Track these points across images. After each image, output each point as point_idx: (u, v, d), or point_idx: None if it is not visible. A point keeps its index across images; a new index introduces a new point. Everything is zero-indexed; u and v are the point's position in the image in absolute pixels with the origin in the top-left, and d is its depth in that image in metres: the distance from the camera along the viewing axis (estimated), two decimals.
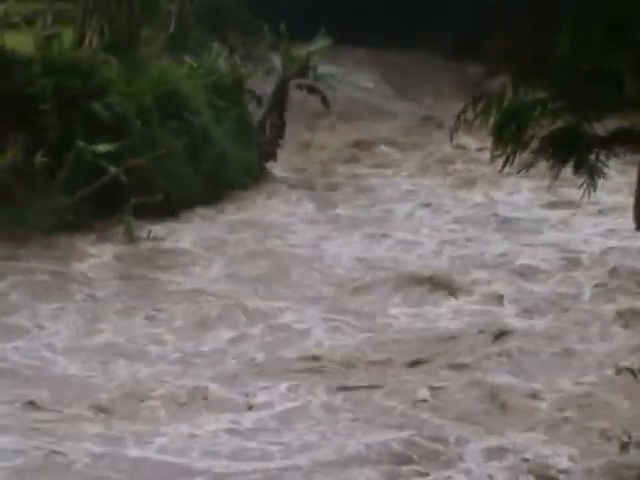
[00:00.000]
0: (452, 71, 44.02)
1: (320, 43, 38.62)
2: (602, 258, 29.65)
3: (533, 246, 31.24)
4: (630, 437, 17.22)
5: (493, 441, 18.77)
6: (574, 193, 20.10)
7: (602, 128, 14.67)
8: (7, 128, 30.81)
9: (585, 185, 15.41)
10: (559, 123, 14.86)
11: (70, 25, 35.41)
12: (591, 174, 15.15)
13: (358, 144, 42.38)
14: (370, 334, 24.60)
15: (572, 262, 29.42)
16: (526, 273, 28.58)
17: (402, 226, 34.21)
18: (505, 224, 33.18)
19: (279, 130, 39.24)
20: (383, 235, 32.46)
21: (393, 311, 26.21)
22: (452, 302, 27.11)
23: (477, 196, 35.89)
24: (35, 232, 29.38)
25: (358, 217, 34.70)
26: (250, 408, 20.36)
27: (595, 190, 15.48)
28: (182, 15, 41.47)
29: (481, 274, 28.76)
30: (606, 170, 15.22)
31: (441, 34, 45.79)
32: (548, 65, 14.27)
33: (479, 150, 35.41)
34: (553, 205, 33.46)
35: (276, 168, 38.97)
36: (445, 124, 35.44)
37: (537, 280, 28.23)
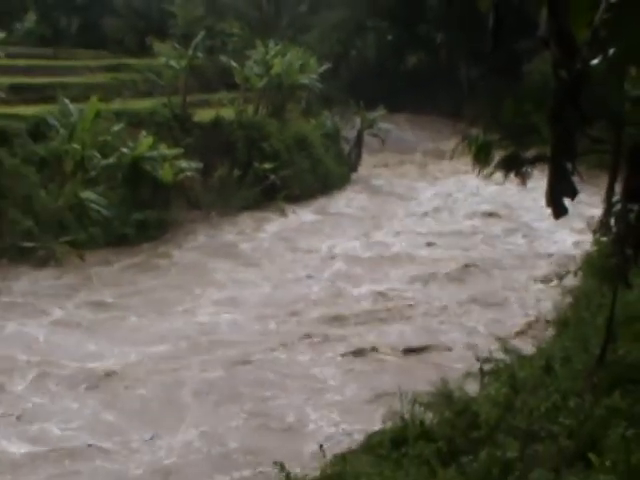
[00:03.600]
0: (449, 126, 48.85)
1: (379, 112, 50.77)
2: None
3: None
4: None
5: None
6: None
7: (529, 154, 18.78)
8: (217, 157, 42.19)
9: (520, 183, 20.67)
10: (506, 152, 19.51)
11: (250, 104, 46.18)
12: (522, 177, 20.13)
13: (399, 162, 52.47)
14: None
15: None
16: None
17: (420, 194, 47.17)
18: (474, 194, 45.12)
19: (358, 157, 50.73)
20: (411, 198, 45.67)
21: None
22: None
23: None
24: (237, 209, 40.95)
25: (400, 192, 47.14)
26: None
27: (525, 185, 20.67)
28: (309, 97, 50.34)
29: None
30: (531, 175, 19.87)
31: (443, 107, 54.22)
32: (501, 122, 19.49)
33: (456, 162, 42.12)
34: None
35: (355, 176, 49.90)
36: (445, 152, 46.41)
37: None
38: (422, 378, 18.53)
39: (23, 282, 30.62)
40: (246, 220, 40.68)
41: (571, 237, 36.03)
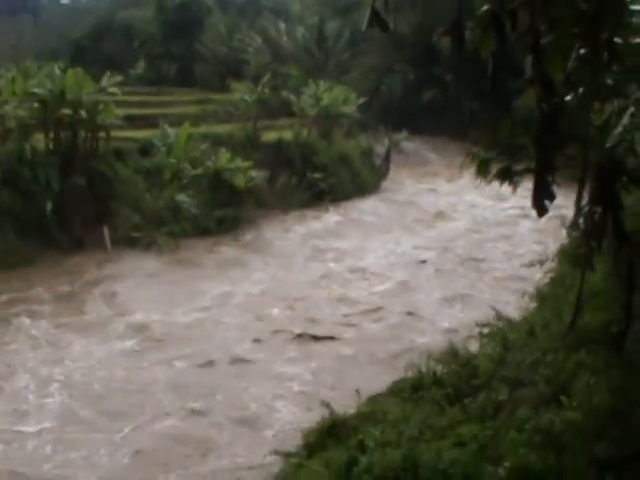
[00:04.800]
0: (457, 145, 47.42)
1: (403, 134, 51.17)
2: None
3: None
4: None
5: None
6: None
7: (519, 167, 17.07)
8: (279, 169, 42.31)
9: (512, 190, 18.77)
10: (502, 165, 17.78)
11: (304, 128, 46.20)
12: (514, 186, 17.99)
13: (423, 173, 51.44)
14: None
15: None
16: None
17: (436, 191, 47.13)
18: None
19: (386, 169, 50.18)
20: (428, 194, 45.63)
21: None
22: None
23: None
24: (294, 208, 40.84)
25: (418, 194, 46.45)
26: None
27: (515, 192, 18.79)
28: (350, 123, 49.88)
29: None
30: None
31: (452, 131, 52.93)
32: (498, 141, 17.52)
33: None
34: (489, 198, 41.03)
35: (385, 184, 49.21)
36: (454, 165, 42.39)
37: None
38: None
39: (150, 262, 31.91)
40: (300, 215, 40.61)
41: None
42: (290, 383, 20.49)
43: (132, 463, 16.57)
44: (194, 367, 21.51)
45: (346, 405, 13.09)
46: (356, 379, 18.74)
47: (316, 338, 23.59)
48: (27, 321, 24.64)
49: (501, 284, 28.40)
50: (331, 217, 40.71)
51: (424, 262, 32.22)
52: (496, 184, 14.97)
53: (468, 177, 35.23)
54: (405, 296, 27.78)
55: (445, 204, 43.58)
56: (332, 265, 32.08)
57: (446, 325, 24.27)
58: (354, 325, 24.87)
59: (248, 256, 33.15)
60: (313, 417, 13.47)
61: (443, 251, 33.83)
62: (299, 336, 23.72)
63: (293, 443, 12.93)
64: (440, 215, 41.30)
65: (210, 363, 21.73)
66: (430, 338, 22.28)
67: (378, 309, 26.38)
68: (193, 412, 18.75)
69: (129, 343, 23.23)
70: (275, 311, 26.33)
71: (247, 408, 19.00)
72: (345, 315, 25.81)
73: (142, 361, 21.90)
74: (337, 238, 36.61)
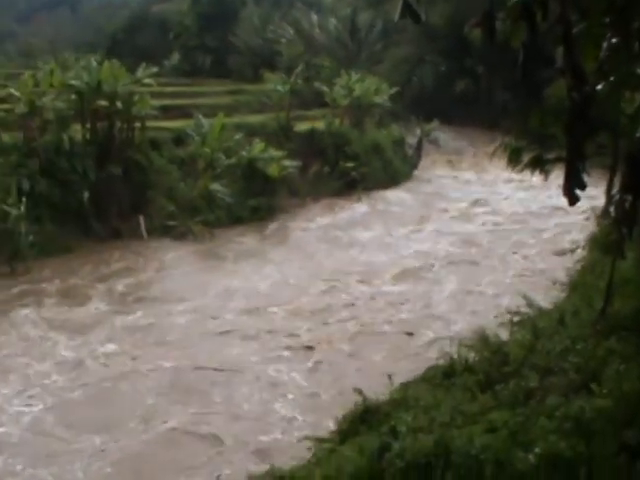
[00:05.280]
0: (487, 135, 48.01)
1: (434, 124, 50.70)
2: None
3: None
4: None
5: None
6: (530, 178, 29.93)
7: (550, 155, 17.83)
8: (312, 158, 42.43)
9: (543, 178, 20.39)
10: (533, 154, 18.80)
11: (337, 118, 46.04)
12: (546, 174, 19.85)
13: (449, 161, 51.69)
14: None
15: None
16: None
17: (465, 179, 47.36)
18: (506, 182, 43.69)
19: (418, 158, 50.56)
20: (461, 183, 45.54)
21: None
22: None
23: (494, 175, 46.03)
24: (326, 197, 41.09)
25: (449, 181, 47.32)
26: None
27: (547, 180, 20.72)
28: (381, 113, 49.77)
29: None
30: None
31: (482, 121, 51.91)
32: (528, 131, 19.21)
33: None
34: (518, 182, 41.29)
35: (416, 173, 49.33)
36: (484, 154, 46.22)
37: None
38: None
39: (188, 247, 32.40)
40: (329, 204, 40.63)
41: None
42: None
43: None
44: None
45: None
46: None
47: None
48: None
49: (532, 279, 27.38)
50: (361, 207, 40.46)
51: (445, 261, 30.93)
52: (528, 173, 14.81)
53: (500, 166, 35.96)
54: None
55: (476, 195, 43.05)
56: (344, 263, 30.92)
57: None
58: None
59: (266, 247, 33.16)
60: None
61: (469, 246, 33.07)
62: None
63: None
64: (471, 206, 40.82)
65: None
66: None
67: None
68: None
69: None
70: None
71: None
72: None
73: None
74: (364, 229, 36.26)
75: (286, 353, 21.61)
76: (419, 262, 30.54)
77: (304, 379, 19.91)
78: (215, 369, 20.48)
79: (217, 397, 18.95)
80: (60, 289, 26.87)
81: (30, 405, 18.36)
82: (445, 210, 39.74)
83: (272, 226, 36.22)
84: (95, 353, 21.48)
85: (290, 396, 18.90)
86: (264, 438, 16.77)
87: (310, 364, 20.86)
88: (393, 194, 43.55)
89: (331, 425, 13.22)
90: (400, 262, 30.57)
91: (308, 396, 18.90)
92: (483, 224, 37.07)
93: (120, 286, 27.38)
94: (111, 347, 21.94)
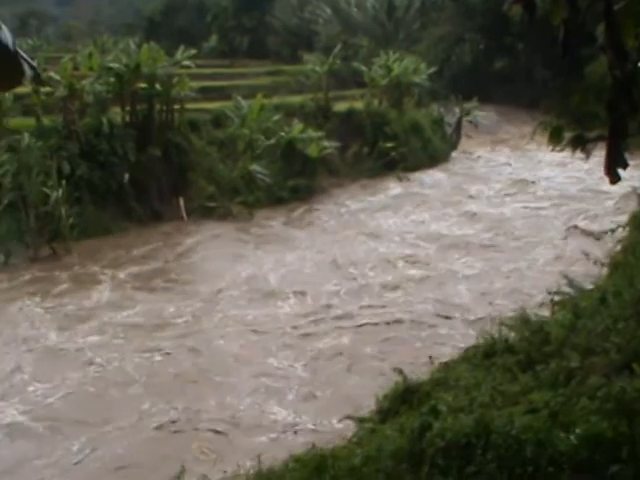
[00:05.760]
0: (526, 114, 48.69)
1: (473, 103, 49.72)
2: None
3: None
4: None
5: None
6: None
7: (591, 135, 16.32)
8: (350, 138, 42.15)
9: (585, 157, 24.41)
10: (574, 133, 18.27)
11: (375, 98, 46.20)
12: (586, 152, 19.34)
13: (488, 141, 51.56)
14: None
15: None
16: None
17: (502, 160, 44.70)
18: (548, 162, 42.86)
19: (457, 138, 49.79)
20: (497, 165, 44.07)
21: None
22: None
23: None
24: (366, 177, 41.16)
25: (488, 162, 44.85)
26: None
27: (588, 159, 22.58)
28: (420, 92, 49.32)
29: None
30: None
31: (522, 100, 52.59)
32: (569, 109, 16.42)
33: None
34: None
35: (455, 153, 48.93)
36: (524, 134, 46.40)
37: None
38: None
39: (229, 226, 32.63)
40: (372, 184, 40.53)
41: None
42: None
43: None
44: None
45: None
46: None
47: None
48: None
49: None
50: (395, 189, 39.94)
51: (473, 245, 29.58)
52: (570, 153, 14.67)
53: (540, 146, 35.69)
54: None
55: (515, 176, 42.32)
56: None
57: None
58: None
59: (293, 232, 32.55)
60: None
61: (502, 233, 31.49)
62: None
63: None
64: (509, 187, 39.95)
65: None
66: None
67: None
68: None
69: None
70: None
71: None
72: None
73: None
74: (393, 213, 35.22)
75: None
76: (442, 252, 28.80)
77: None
78: None
79: None
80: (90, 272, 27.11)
81: None
82: (481, 192, 38.87)
83: (307, 207, 36.09)
84: None
85: None
86: None
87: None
88: (431, 175, 43.12)
89: None
90: (414, 254, 28.59)
91: None
92: (523, 207, 35.91)
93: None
94: None
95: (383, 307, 23.05)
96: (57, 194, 28.71)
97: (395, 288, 24.66)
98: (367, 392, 13.81)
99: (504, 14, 47.60)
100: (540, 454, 8.44)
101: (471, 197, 37.92)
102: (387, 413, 11.92)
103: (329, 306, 23.27)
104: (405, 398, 11.91)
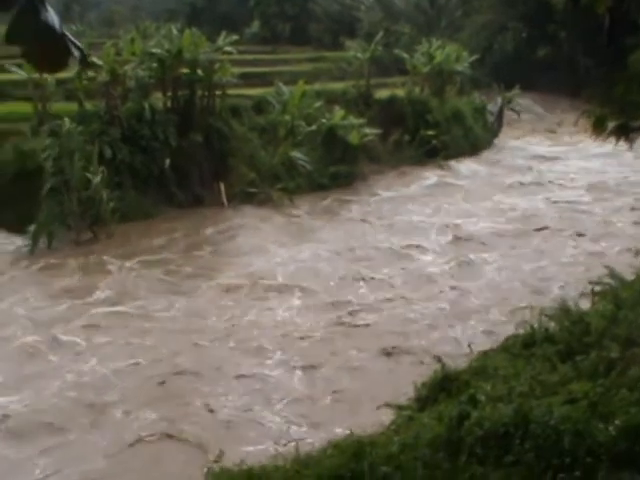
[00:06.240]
0: (569, 103, 48.74)
1: (515, 91, 49.93)
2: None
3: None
4: None
5: None
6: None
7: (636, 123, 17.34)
8: (392, 126, 41.97)
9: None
10: (618, 122, 17.81)
11: (417, 85, 45.95)
12: (631, 141, 18.66)
13: (530, 130, 51.27)
14: None
15: None
16: None
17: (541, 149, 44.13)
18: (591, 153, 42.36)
19: (499, 126, 49.81)
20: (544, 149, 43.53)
21: None
22: None
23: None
24: (407, 165, 40.84)
25: (531, 151, 45.68)
26: None
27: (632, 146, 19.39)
28: (462, 80, 49.04)
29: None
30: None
31: (564, 89, 51.54)
32: (612, 98, 16.90)
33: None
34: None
35: (497, 141, 48.63)
36: (566, 122, 46.78)
37: None
38: None
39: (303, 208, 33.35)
40: (408, 172, 40.33)
41: None
42: None
43: None
44: None
45: None
46: None
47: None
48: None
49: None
50: (430, 179, 39.45)
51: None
52: (616, 145, 14.49)
53: (583, 135, 35.18)
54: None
55: (557, 167, 41.79)
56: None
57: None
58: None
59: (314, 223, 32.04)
60: None
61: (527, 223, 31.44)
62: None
63: None
64: (549, 180, 39.18)
65: None
66: None
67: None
68: None
69: None
70: None
71: None
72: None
73: None
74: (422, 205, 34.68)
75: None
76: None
77: None
78: None
79: None
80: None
81: None
82: (521, 184, 38.33)
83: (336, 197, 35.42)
84: None
85: None
86: None
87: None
88: (470, 165, 42.80)
89: None
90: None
91: None
92: (555, 202, 35.04)
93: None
94: None
95: None
96: (98, 178, 28.92)
97: None
98: None
99: (547, 2, 47.54)
100: (578, 445, 8.42)
101: (506, 191, 37.36)
102: (425, 401, 11.92)
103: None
104: (444, 386, 11.91)
